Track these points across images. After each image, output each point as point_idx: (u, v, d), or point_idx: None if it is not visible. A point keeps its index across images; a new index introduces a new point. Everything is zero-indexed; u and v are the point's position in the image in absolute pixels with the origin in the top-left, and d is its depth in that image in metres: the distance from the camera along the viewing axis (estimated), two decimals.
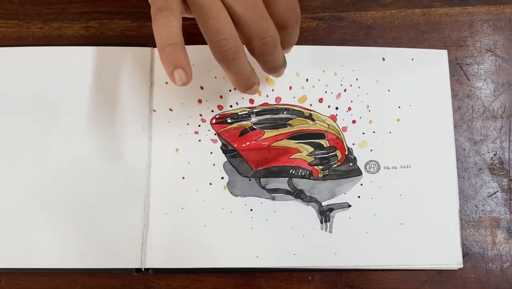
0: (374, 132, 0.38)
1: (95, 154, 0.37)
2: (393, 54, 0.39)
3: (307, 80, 0.39)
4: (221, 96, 0.38)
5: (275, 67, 0.33)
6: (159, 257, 0.35)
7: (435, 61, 0.39)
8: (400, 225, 0.36)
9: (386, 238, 0.36)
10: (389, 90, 0.39)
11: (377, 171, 0.37)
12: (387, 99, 0.38)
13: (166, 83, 0.38)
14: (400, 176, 0.37)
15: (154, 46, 0.39)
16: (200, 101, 0.38)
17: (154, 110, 0.38)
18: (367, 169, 0.37)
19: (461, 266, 0.36)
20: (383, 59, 0.39)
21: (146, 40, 0.40)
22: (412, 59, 0.39)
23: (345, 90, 0.39)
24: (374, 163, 0.37)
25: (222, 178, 0.37)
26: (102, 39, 0.40)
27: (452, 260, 0.36)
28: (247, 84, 0.32)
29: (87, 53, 0.38)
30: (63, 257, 0.35)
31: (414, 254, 0.36)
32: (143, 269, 0.35)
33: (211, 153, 0.37)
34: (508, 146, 0.38)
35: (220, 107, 0.38)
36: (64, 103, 0.37)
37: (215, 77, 0.38)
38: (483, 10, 0.41)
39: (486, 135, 0.39)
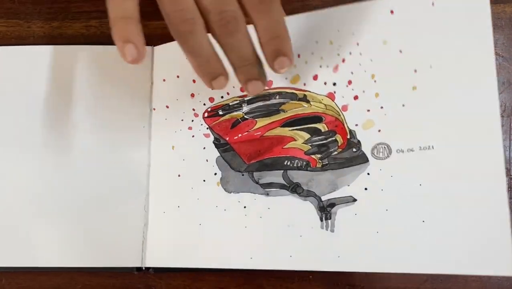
0: (382, 108, 0.31)
1: (95, 153, 0.37)
2: (404, 2, 0.31)
3: (298, 56, 0.34)
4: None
5: (241, 59, 0.27)
6: (159, 256, 0.35)
7: (467, 3, 0.30)
8: (421, 223, 0.30)
9: (403, 239, 0.30)
10: (400, 51, 0.31)
11: (388, 156, 0.31)
12: (398, 63, 0.31)
13: (164, 80, 0.38)
14: (419, 160, 0.30)
15: (154, 44, 0.39)
16: (192, 95, 0.37)
17: (154, 109, 0.38)
18: (375, 154, 0.32)
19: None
20: (391, 12, 0.31)
21: (146, 39, 0.39)
22: (433, 4, 0.31)
23: (343, 60, 0.33)
24: (383, 146, 0.31)
25: (215, 174, 0.36)
26: (103, 38, 0.40)
27: (499, 267, 0.29)
28: (210, 71, 0.28)
29: (87, 52, 0.38)
30: (64, 256, 0.35)
31: (440, 259, 0.30)
32: (143, 268, 0.35)
33: (204, 148, 0.36)
34: (509, 145, 0.38)
35: (211, 99, 0.36)
36: (65, 103, 0.38)
37: None
38: None
39: None
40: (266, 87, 0.34)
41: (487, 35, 0.30)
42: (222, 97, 0.37)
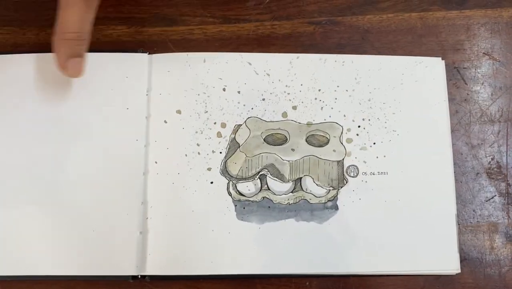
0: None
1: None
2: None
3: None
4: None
5: None
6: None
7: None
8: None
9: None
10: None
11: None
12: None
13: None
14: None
15: (151, 52, 0.39)
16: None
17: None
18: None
19: (459, 271, 0.35)
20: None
21: (142, 46, 0.39)
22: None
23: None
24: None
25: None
26: (98, 45, 0.39)
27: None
28: None
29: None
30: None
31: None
32: (139, 276, 0.35)
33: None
34: (506, 150, 0.38)
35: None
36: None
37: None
38: (480, 13, 0.41)
39: (484, 140, 0.38)
40: None
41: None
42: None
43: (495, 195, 0.37)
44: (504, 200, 0.37)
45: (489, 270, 0.36)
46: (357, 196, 0.37)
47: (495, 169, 0.38)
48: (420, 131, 0.38)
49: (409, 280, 0.36)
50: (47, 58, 0.38)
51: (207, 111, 0.38)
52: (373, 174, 0.37)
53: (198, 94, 0.38)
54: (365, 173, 0.37)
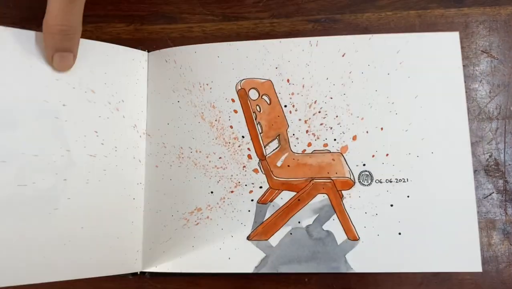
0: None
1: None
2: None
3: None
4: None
5: None
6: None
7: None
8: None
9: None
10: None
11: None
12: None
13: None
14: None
15: (150, 50, 0.39)
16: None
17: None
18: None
19: (480, 270, 0.35)
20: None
21: (142, 44, 0.40)
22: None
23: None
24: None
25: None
26: None
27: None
28: None
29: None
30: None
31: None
32: (138, 273, 0.35)
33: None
34: (504, 147, 0.38)
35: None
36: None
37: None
38: (478, 11, 0.41)
39: (482, 137, 0.39)
40: None
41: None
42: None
43: (493, 192, 0.38)
44: (502, 197, 0.38)
45: (487, 267, 0.36)
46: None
47: (493, 166, 0.38)
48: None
49: (407, 277, 0.36)
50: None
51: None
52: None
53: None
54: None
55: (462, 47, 0.40)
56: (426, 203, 0.36)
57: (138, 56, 0.39)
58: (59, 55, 0.34)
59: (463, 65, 0.40)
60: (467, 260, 0.35)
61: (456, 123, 0.37)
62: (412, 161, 0.36)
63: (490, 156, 0.38)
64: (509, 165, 0.38)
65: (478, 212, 0.37)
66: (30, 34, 0.35)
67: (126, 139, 0.37)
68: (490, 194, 0.38)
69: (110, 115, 0.37)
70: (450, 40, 0.38)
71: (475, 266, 0.35)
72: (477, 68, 0.40)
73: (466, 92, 0.39)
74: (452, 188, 0.36)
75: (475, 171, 0.38)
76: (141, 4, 0.41)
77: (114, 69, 0.37)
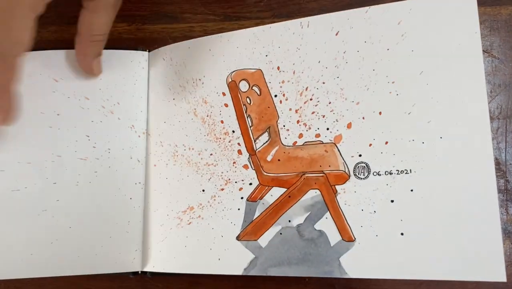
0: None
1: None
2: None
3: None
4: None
5: None
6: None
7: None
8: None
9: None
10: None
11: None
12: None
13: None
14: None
15: (151, 49, 0.39)
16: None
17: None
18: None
19: (505, 280, 0.29)
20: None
21: (143, 43, 0.40)
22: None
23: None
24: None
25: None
26: None
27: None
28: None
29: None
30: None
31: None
32: (139, 272, 0.35)
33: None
34: (505, 147, 0.38)
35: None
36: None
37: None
38: (479, 11, 0.41)
39: None
40: None
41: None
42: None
43: None
44: (503, 196, 0.38)
45: None
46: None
47: (494, 166, 0.38)
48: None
49: (408, 279, 0.36)
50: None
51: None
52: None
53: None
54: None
55: None
56: (434, 198, 0.31)
57: (138, 57, 0.39)
58: (98, 60, 0.36)
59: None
60: (487, 267, 0.29)
61: (472, 101, 0.30)
62: (416, 148, 0.31)
63: None
64: (510, 164, 0.38)
65: None
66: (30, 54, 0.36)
67: (121, 140, 0.37)
68: None
69: (104, 119, 0.37)
70: (463, 3, 0.32)
71: (497, 275, 0.29)
72: None
73: None
74: (467, 181, 0.30)
75: None
76: (143, 4, 0.41)
77: (110, 74, 0.38)
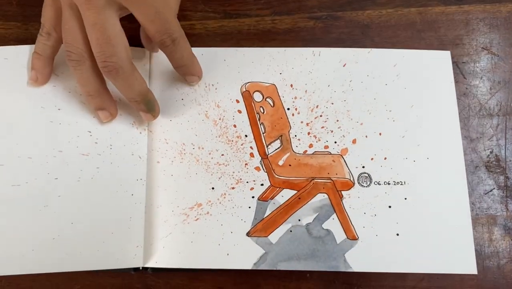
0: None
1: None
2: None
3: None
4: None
5: (130, 99, 0.35)
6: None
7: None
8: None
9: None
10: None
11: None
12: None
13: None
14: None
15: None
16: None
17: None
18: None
19: (475, 272, 0.35)
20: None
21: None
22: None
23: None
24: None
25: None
26: None
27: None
28: (96, 100, 0.36)
29: None
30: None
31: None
32: (140, 268, 0.35)
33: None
34: (505, 143, 0.39)
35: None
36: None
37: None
38: (479, 8, 0.41)
39: (483, 133, 0.39)
40: None
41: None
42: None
43: (494, 188, 0.38)
44: (503, 192, 0.38)
45: (488, 262, 0.36)
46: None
47: (494, 162, 0.38)
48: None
49: (407, 274, 0.36)
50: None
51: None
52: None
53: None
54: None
55: (463, 44, 0.40)
56: (422, 205, 0.37)
57: (140, 55, 0.39)
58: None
59: (463, 62, 0.40)
60: (462, 261, 0.35)
61: (449, 132, 0.38)
62: (409, 165, 0.37)
63: (491, 152, 0.38)
64: (510, 161, 0.38)
65: (479, 208, 0.37)
66: (25, 49, 0.39)
67: (123, 136, 0.37)
68: (491, 190, 0.38)
69: None
70: (442, 58, 0.40)
71: (470, 267, 0.35)
72: (477, 65, 0.40)
73: (466, 88, 0.40)
74: (446, 192, 0.37)
75: (476, 167, 0.38)
76: None
77: None
